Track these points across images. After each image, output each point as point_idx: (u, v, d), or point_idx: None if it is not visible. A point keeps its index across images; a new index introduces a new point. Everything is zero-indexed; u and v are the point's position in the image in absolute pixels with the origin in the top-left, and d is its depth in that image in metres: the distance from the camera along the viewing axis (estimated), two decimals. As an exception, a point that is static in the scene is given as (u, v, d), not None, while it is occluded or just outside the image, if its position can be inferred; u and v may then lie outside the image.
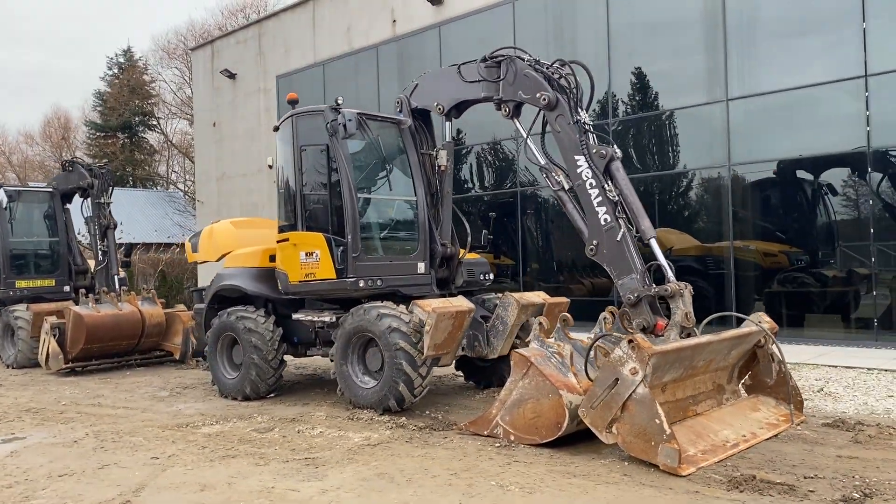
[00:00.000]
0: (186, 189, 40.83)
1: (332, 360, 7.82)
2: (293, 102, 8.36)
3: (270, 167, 21.06)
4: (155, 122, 44.68)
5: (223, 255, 9.68)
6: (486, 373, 8.82)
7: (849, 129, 11.06)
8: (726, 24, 12.19)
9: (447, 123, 8.30)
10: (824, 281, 12.25)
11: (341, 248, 7.62)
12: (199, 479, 5.53)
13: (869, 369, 8.81)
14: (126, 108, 42.82)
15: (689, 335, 6.32)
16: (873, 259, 11.04)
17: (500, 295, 8.63)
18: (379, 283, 7.72)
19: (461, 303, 7.48)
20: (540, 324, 6.48)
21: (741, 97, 11.95)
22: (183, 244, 32.29)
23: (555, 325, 8.54)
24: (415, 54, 17.15)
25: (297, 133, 8.05)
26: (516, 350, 6.30)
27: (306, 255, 7.89)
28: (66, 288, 13.76)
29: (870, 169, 11.04)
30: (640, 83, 13.43)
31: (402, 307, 7.48)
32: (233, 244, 9.74)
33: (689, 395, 6.33)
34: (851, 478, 5.00)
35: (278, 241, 8.56)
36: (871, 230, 11.01)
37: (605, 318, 6.82)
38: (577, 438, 5.97)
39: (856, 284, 12.12)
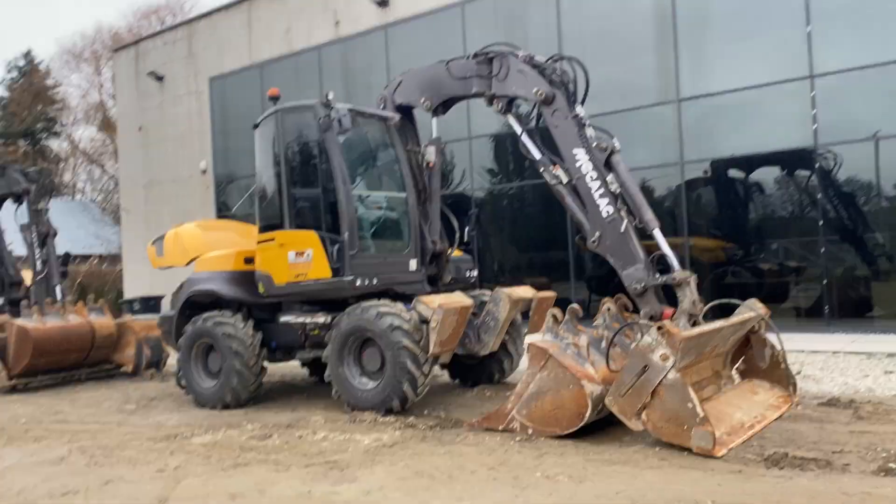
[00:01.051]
0: (101, 198, 38.96)
1: (322, 363, 7.60)
2: (275, 98, 8.10)
3: (204, 172, 20.42)
4: (59, 129, 42.47)
5: (193, 259, 9.26)
6: (473, 370, 8.77)
7: (795, 129, 11.65)
8: (676, 26, 12.63)
9: (434, 119, 8.23)
10: (779, 273, 12.85)
11: (337, 246, 7.42)
12: (223, 488, 5.25)
13: (834, 352, 9.28)
14: (28, 114, 40.52)
15: (695, 323, 6.47)
16: (822, 249, 11.65)
17: (483, 291, 8.63)
18: (375, 281, 7.57)
19: (462, 298, 7.41)
20: (554, 316, 6.49)
21: (692, 97, 12.40)
22: (101, 256, 30.89)
23: (544, 318, 8.65)
24: (360, 57, 16.97)
25: (282, 129, 7.79)
26: (533, 343, 6.29)
27: (296, 254, 7.64)
28: (-1, 301, 12.84)
29: (817, 166, 11.66)
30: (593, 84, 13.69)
31: (399, 305, 7.36)
32: (202, 247, 9.34)
33: (696, 381, 6.47)
34: (875, 450, 5.23)
35: (259, 242, 8.27)
36: (820, 223, 11.63)
37: (608, 309, 6.92)
38: (585, 428, 6.00)
39: (804, 276, 12.80)
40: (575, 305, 6.75)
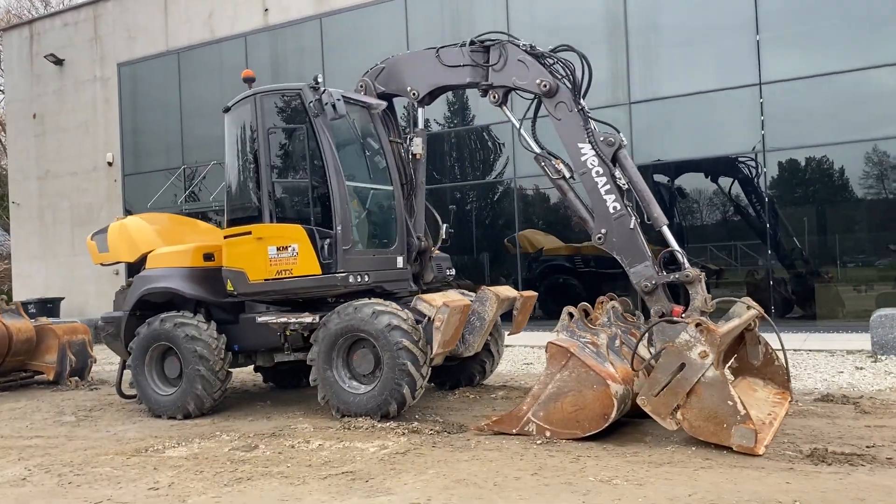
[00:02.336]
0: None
1: (309, 364, 7.05)
2: (250, 80, 7.47)
3: (110, 164, 19.01)
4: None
5: (143, 255, 8.44)
6: (451, 372, 8.42)
7: (743, 134, 12.04)
8: (628, 29, 12.79)
9: (420, 110, 7.84)
10: (719, 274, 13.24)
11: (328, 240, 6.89)
12: (243, 506, 4.68)
13: (796, 350, 9.56)
14: None
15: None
16: (770, 251, 12.09)
17: (461, 290, 8.32)
18: (367, 278, 7.09)
19: (461, 297, 7.08)
20: (569, 313, 6.27)
21: (643, 101, 12.58)
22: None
23: (527, 317, 8.45)
24: (292, 47, 16.23)
25: (262, 114, 7.16)
26: (554, 342, 6.03)
27: (278, 249, 7.05)
28: None
29: (765, 170, 12.09)
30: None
31: (393, 303, 6.93)
32: (152, 242, 8.54)
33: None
34: (904, 443, 5.31)
35: (229, 237, 7.61)
36: (767, 225, 12.06)
37: (613, 307, 6.79)
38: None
39: (753, 277, 13.29)
40: (584, 304, 6.58)
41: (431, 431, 6.38)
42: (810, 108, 11.60)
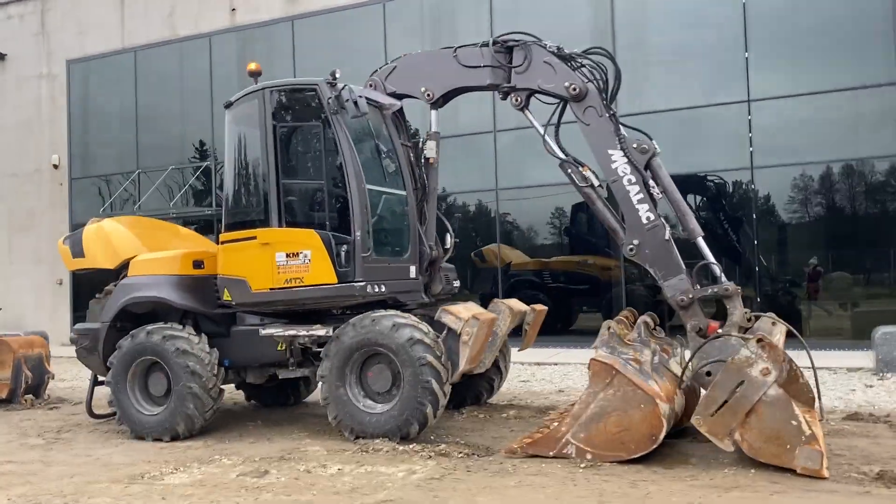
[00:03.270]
0: None
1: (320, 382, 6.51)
2: (256, 74, 6.94)
3: (56, 167, 17.91)
4: None
5: (124, 262, 7.74)
6: (457, 390, 7.85)
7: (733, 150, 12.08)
8: (615, 38, 12.70)
9: (433, 112, 7.43)
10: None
11: (344, 247, 6.38)
12: (287, 543, 4.14)
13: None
14: None
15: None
16: (757, 268, 12.09)
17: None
18: (383, 288, 6.61)
19: (484, 310, 6.67)
20: (609, 328, 5.93)
21: (629, 114, 12.42)
22: None
23: (536, 332, 8.09)
24: (262, 49, 15.57)
25: (271, 110, 6.62)
26: (596, 358, 5.68)
27: (288, 256, 6.50)
28: None
29: (753, 186, 12.11)
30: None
31: (411, 316, 6.48)
32: (134, 247, 7.85)
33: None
34: (963, 463, 5.15)
35: (227, 242, 7.02)
36: (755, 242, 12.07)
37: (646, 323, 6.50)
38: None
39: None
40: (625, 313, 6.26)
41: (461, 454, 5.93)
42: (796, 127, 11.70)
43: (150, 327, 7.12)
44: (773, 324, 6.69)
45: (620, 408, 5.54)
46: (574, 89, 6.64)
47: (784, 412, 5.06)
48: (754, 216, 12.10)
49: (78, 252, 7.89)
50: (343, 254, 6.36)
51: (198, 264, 7.55)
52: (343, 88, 6.40)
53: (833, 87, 11.41)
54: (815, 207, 12.26)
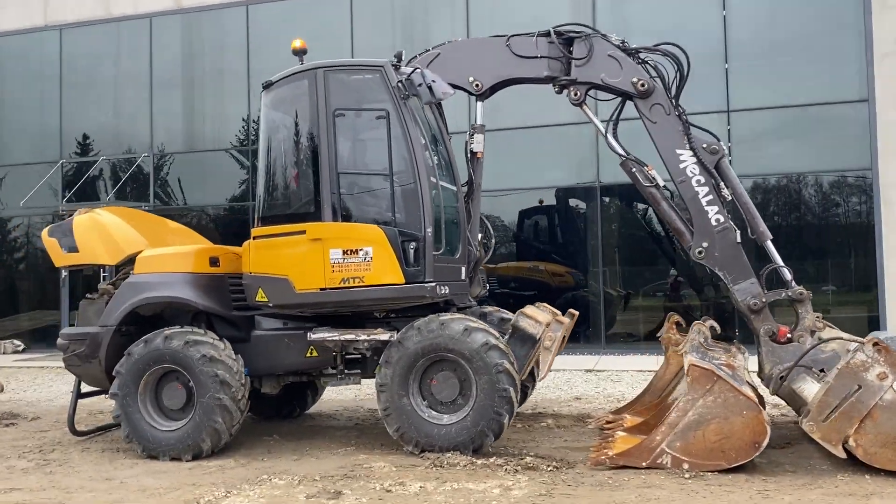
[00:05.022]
0: None
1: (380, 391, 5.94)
2: (301, 53, 6.28)
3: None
4: None
5: (127, 258, 6.85)
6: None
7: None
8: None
9: (479, 104, 7.02)
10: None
11: (413, 244, 5.85)
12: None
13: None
14: None
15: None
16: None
17: (497, 309, 7.52)
18: (447, 289, 6.12)
19: (558, 312, 6.32)
20: (702, 333, 5.73)
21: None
22: None
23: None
24: (210, 36, 14.54)
25: (327, 93, 5.98)
26: (695, 363, 5.45)
27: (346, 253, 5.89)
28: None
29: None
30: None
31: (478, 319, 6.04)
32: (136, 242, 6.99)
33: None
34: None
35: (261, 237, 6.32)
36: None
37: (712, 328, 6.38)
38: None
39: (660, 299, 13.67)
40: (712, 322, 6.09)
41: (549, 468, 5.53)
42: (772, 137, 12.08)
43: (167, 331, 6.30)
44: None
45: (721, 415, 5.33)
46: (642, 85, 6.44)
47: (901, 417, 5.00)
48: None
49: (70, 246, 6.89)
50: (412, 251, 5.84)
51: (214, 261, 6.80)
52: (414, 72, 5.88)
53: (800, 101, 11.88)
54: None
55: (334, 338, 6.04)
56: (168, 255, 6.73)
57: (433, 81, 5.84)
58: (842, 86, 11.70)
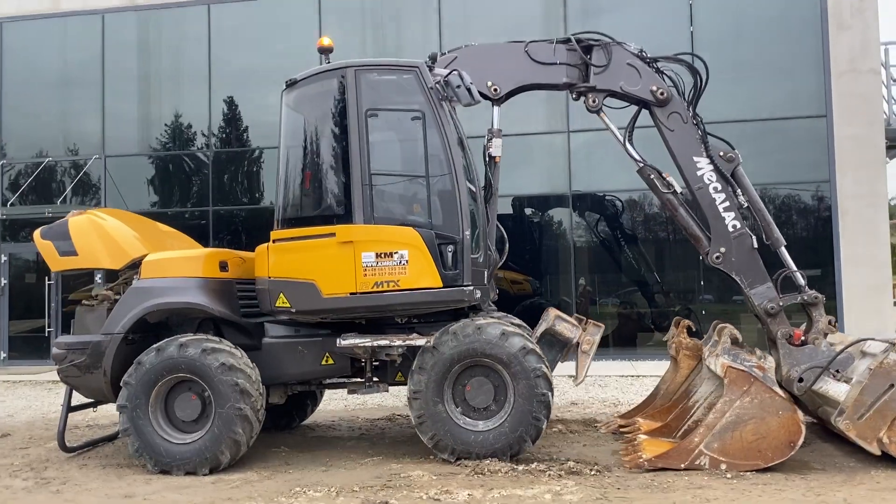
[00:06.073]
0: None
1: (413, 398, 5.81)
2: (327, 51, 6.12)
3: None
4: None
5: (132, 262, 6.47)
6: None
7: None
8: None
9: (496, 109, 6.99)
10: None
11: (451, 247, 5.76)
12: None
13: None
14: None
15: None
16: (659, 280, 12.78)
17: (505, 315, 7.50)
18: (479, 294, 6.05)
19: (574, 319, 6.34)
20: (733, 336, 5.86)
21: (581, 130, 12.62)
22: None
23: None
24: (168, 35, 13.99)
25: (358, 92, 5.83)
26: (732, 366, 5.57)
27: (379, 256, 5.75)
28: None
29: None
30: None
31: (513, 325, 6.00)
32: (139, 246, 6.62)
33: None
34: None
35: (283, 240, 6.10)
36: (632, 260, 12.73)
37: (730, 333, 6.52)
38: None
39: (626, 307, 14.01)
40: (732, 329, 6.22)
41: (592, 472, 5.53)
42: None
43: (182, 339, 5.99)
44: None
45: (758, 415, 5.47)
46: (661, 94, 6.57)
47: (933, 414, 5.25)
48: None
49: (67, 250, 6.46)
50: (450, 254, 5.74)
51: (223, 266, 6.53)
52: (451, 73, 5.81)
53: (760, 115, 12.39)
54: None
55: (366, 343, 5.86)
56: (177, 259, 6.41)
57: (472, 83, 5.78)
58: (801, 101, 12.27)
